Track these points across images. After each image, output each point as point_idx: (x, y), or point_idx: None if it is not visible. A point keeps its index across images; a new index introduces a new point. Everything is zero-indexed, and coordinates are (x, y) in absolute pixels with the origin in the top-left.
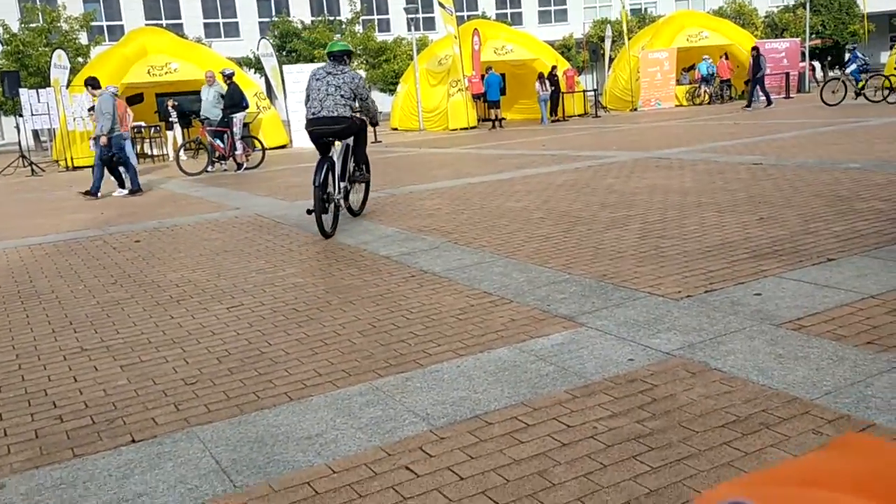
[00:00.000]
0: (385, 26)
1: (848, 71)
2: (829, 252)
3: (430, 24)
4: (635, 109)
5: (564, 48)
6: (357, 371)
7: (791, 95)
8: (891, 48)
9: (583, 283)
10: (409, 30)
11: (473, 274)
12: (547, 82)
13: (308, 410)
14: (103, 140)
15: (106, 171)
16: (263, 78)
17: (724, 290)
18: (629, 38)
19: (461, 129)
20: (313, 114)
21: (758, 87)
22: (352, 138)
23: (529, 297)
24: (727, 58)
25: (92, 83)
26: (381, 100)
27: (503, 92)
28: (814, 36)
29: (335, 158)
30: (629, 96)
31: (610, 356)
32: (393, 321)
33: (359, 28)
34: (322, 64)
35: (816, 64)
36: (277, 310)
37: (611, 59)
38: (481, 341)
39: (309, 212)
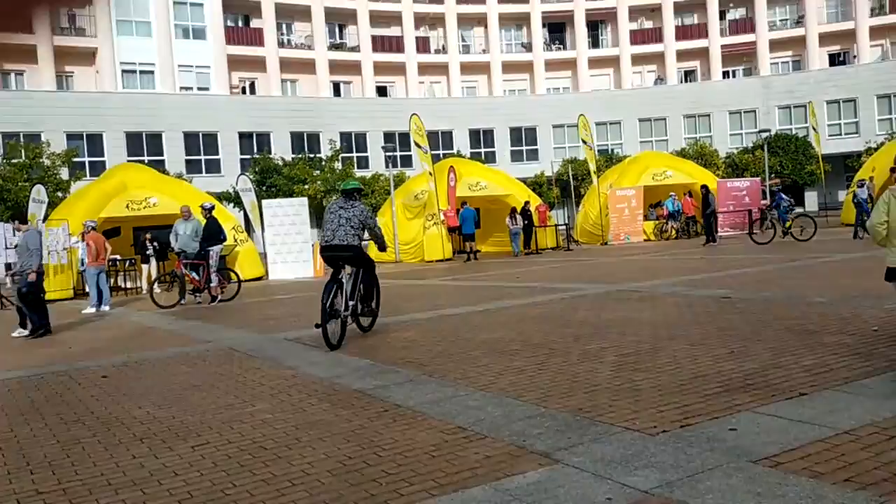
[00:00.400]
0: (364, 163)
1: (776, 212)
2: (801, 386)
3: (406, 161)
4: (606, 243)
5: (536, 185)
6: None
7: (755, 231)
8: (847, 188)
9: (559, 418)
10: (387, 167)
11: (448, 408)
12: (518, 217)
13: None
14: (32, 276)
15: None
16: (242, 212)
17: (699, 424)
18: (598, 177)
19: (437, 260)
20: (327, 241)
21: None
22: (360, 269)
23: (505, 432)
24: (691, 195)
25: (19, 218)
26: None
27: (477, 226)
28: (773, 175)
29: (344, 280)
30: (599, 230)
31: (587, 495)
32: (364, 459)
33: (338, 165)
34: (337, 199)
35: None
36: (244, 448)
37: (580, 196)
38: (455, 480)
39: (317, 325)
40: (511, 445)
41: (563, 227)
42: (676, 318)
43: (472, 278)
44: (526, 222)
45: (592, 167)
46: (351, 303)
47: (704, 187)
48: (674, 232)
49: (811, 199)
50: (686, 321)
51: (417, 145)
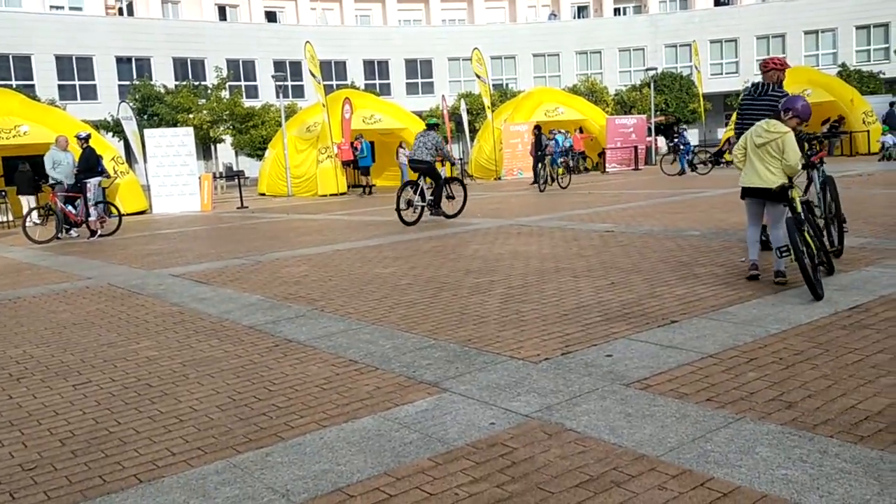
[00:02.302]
0: (253, 92)
1: (682, 148)
2: (673, 314)
3: (298, 91)
4: (499, 178)
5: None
6: (214, 448)
7: (639, 167)
8: (725, 125)
9: (448, 349)
10: (278, 97)
11: (339, 342)
12: (403, 150)
13: (159, 493)
14: None
15: None
16: (122, 142)
17: (579, 352)
18: (492, 112)
19: (331, 195)
20: (409, 156)
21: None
22: (431, 181)
23: (395, 364)
24: (581, 131)
25: None
26: (248, 165)
27: (373, 159)
28: (658, 113)
29: (421, 182)
30: (493, 165)
31: (472, 421)
32: (254, 394)
33: (225, 94)
34: (422, 130)
35: (662, 139)
36: (129, 386)
37: (474, 131)
38: (345, 411)
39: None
40: (401, 376)
41: (458, 161)
42: (563, 251)
43: (366, 213)
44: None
45: (487, 102)
46: (429, 198)
47: (537, 128)
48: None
49: (692, 136)
50: (571, 254)
51: (312, 74)
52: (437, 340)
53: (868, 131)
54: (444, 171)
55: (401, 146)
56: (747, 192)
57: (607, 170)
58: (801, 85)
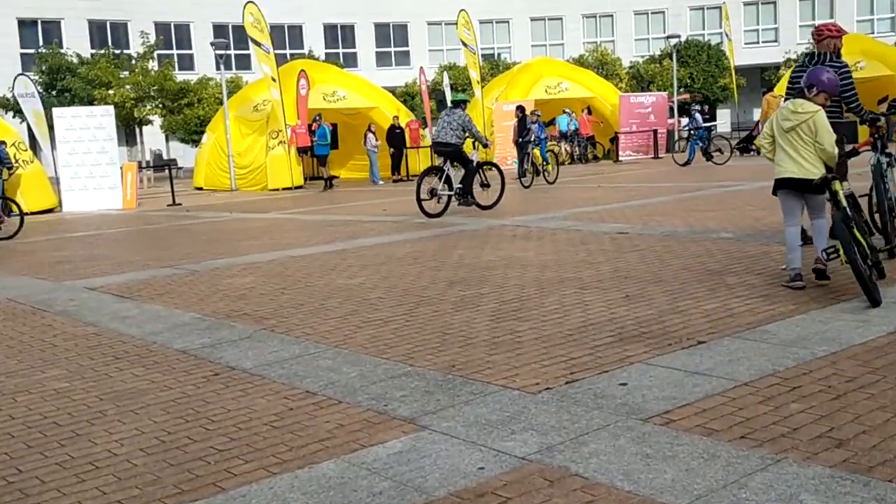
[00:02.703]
0: (187, 63)
1: (693, 134)
2: (699, 333)
3: (244, 62)
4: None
5: (408, 96)
6: (138, 502)
7: (659, 155)
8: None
9: (427, 377)
10: (218, 69)
11: (294, 369)
12: (372, 135)
13: None
14: None
15: None
16: (24, 123)
17: (586, 379)
18: (481, 87)
19: (283, 189)
20: (433, 138)
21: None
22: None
23: (362, 396)
24: (590, 112)
25: None
26: (181, 152)
27: (335, 146)
28: (682, 90)
29: (447, 169)
30: (483, 153)
31: (457, 465)
32: (188, 434)
33: (153, 64)
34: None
35: (686, 120)
36: (33, 425)
37: None
38: (301, 454)
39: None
40: (369, 411)
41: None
42: (567, 257)
43: (327, 211)
44: (395, 142)
45: (475, 75)
46: (457, 185)
47: (520, 108)
48: (567, 156)
49: (724, 118)
50: (578, 261)
51: (256, 43)
52: (414, 367)
53: None
54: (476, 154)
55: (370, 130)
56: (781, 185)
57: (620, 158)
58: (853, 56)
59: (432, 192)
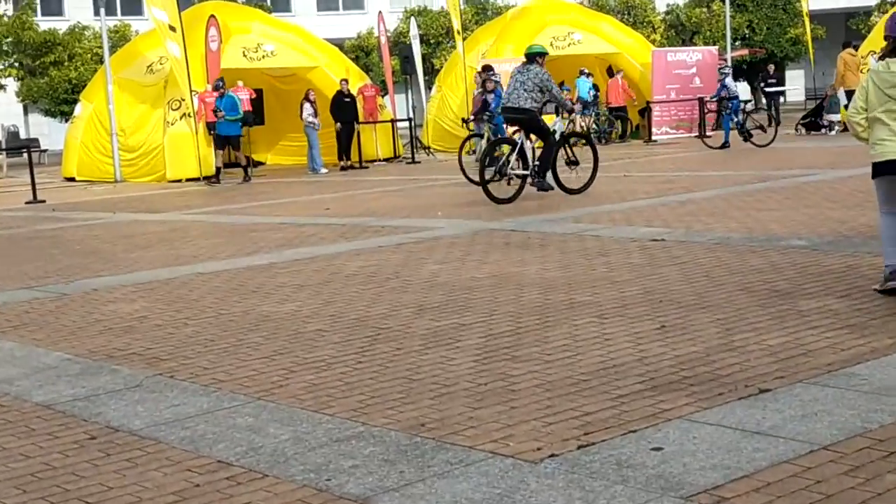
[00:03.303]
0: (54, 7)
1: (729, 107)
2: (762, 379)
3: (133, 5)
4: (474, 152)
5: (361, 52)
6: None
7: (708, 133)
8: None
9: (386, 440)
10: (97, 14)
11: (201, 430)
12: (310, 104)
13: None
14: None
15: None
16: None
17: (606, 443)
18: (463, 40)
19: (188, 180)
20: (502, 104)
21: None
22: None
23: (296, 468)
24: (615, 74)
25: None
26: (46, 129)
27: (258, 120)
28: (737, 44)
29: (521, 141)
30: (465, 132)
31: None
32: None
33: (6, 8)
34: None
35: (744, 84)
36: None
37: (432, 71)
38: None
39: (475, 182)
40: (306, 488)
41: (406, 123)
42: (581, 273)
43: (247, 210)
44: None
45: (455, 23)
46: (534, 163)
47: (487, 70)
48: (586, 132)
49: (796, 81)
50: (595, 278)
51: None
52: (369, 426)
53: None
54: (559, 123)
55: (307, 99)
56: (883, 169)
57: (654, 137)
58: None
59: (501, 172)
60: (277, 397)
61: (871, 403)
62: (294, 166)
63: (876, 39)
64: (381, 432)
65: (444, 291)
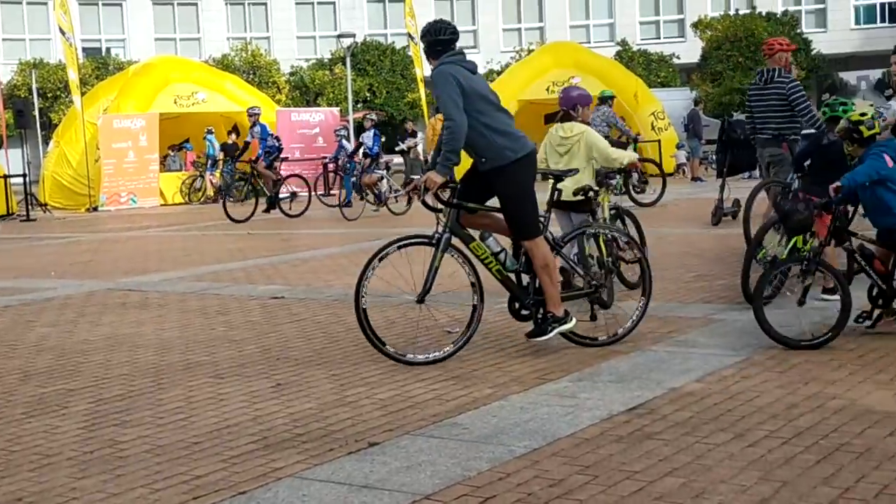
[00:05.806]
0: None
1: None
2: (372, 432)
3: None
4: (96, 209)
5: None
6: None
7: (332, 192)
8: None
9: None
10: None
11: None
12: None
13: None
14: None
15: None
16: None
17: None
18: (81, 97)
19: None
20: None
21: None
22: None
23: None
24: (237, 133)
25: None
26: None
27: None
28: (359, 106)
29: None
30: (86, 188)
31: None
32: None
33: None
34: None
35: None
36: None
37: (50, 125)
38: None
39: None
40: None
41: (21, 179)
42: (199, 333)
43: None
44: None
45: (73, 76)
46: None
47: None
48: (212, 190)
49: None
50: (213, 338)
51: None
52: None
53: (659, 141)
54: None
55: None
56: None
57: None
58: (565, 69)
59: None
60: None
61: (470, 452)
62: None
63: None
64: None
65: (54, 355)
